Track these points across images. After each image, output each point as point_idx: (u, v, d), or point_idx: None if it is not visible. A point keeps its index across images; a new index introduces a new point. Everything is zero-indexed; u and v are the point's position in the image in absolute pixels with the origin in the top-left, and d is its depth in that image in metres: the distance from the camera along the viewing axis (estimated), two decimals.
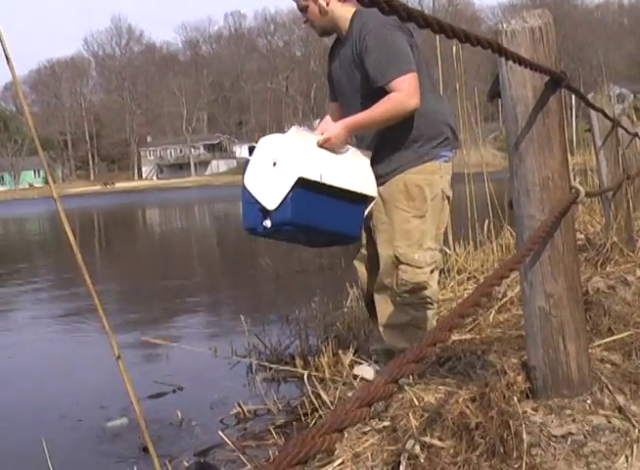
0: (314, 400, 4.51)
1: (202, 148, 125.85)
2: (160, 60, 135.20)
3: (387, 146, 4.56)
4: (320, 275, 5.58)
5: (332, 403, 4.31)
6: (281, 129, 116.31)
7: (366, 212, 4.58)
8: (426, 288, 4.51)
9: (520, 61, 2.35)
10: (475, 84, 9.62)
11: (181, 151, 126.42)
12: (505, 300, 5.28)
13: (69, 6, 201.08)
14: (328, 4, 4.61)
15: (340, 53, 4.75)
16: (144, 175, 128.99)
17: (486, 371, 3.29)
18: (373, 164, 4.56)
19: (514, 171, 2.96)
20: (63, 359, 7.49)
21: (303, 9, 4.71)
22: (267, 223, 4.46)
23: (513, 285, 5.46)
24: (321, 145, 4.44)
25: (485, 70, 72.22)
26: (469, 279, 6.70)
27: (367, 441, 3.12)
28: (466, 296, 3.31)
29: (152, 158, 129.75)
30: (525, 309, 3.09)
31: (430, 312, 4.56)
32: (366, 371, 4.67)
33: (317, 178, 4.37)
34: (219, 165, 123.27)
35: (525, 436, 2.76)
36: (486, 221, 7.74)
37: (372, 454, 2.99)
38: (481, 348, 4.09)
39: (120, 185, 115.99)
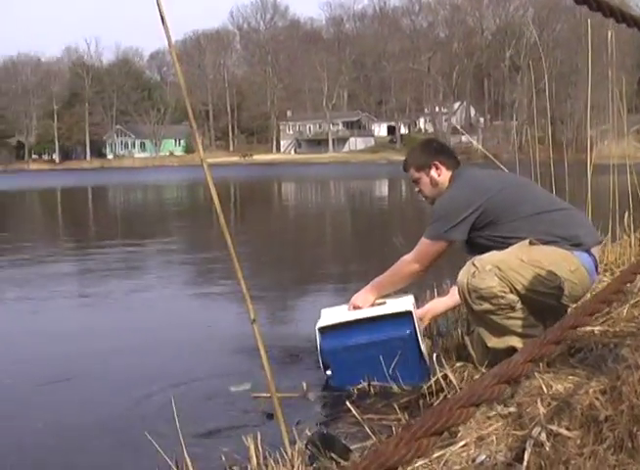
0: (441, 380, 4.50)
1: (340, 125, 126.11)
2: (303, 36, 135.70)
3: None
4: (454, 256, 5.53)
5: (459, 386, 4.30)
6: (420, 110, 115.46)
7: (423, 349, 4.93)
8: (498, 296, 4.41)
9: None
10: (620, 75, 9.39)
11: (320, 126, 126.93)
12: None
13: None
14: (440, 175, 5.03)
15: None
16: (282, 149, 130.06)
17: (618, 364, 3.23)
18: None
19: None
20: (192, 320, 7.64)
21: (416, 181, 5.14)
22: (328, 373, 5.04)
23: None
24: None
25: (632, 60, 70.55)
26: (605, 271, 6.56)
27: (492, 425, 3.10)
28: (601, 288, 3.24)
29: (291, 132, 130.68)
30: None
31: (513, 313, 4.46)
32: None
33: (331, 322, 5.03)
34: (357, 143, 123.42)
35: None
36: (626, 214, 7.57)
37: (496, 439, 2.98)
38: (614, 341, 4.02)
39: (258, 157, 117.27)
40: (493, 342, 4.48)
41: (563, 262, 4.50)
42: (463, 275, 4.48)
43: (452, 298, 5.18)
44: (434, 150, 5.15)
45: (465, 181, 4.88)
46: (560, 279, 4.44)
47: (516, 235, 4.62)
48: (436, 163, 5.02)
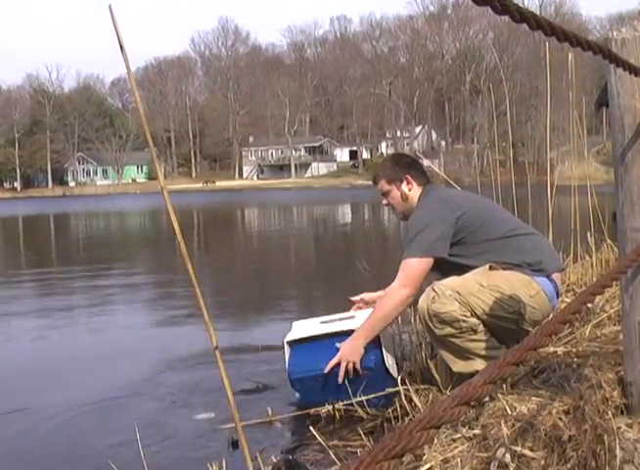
0: (406, 405, 4.50)
1: (302, 150, 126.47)
2: (264, 61, 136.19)
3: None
4: None
5: (423, 409, 4.29)
6: (382, 135, 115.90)
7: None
8: (459, 320, 4.43)
9: (630, 69, 2.32)
10: (580, 96, 9.49)
11: (282, 152, 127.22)
12: (603, 315, 5.19)
13: (177, 6, 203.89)
14: (410, 190, 5.01)
15: None
16: (245, 175, 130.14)
17: (581, 384, 3.25)
18: None
19: (619, 182, 2.92)
20: (156, 349, 7.59)
21: (385, 193, 5.08)
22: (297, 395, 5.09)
23: (611, 300, 5.38)
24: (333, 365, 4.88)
25: (591, 82, 71.26)
26: (567, 292, 6.60)
27: (456, 447, 3.10)
28: (564, 306, 3.26)
29: (253, 158, 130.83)
30: (624, 324, 3.04)
31: (474, 336, 4.48)
32: None
33: (300, 336, 5.04)
34: (319, 168, 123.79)
35: (618, 451, 2.71)
36: (587, 234, 7.62)
37: (461, 461, 2.98)
38: (577, 361, 4.04)
39: (221, 184, 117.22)
40: (458, 366, 4.49)
41: (523, 287, 4.53)
42: (423, 300, 4.48)
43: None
44: (407, 164, 5.13)
45: (437, 198, 4.87)
46: (519, 304, 4.46)
47: (482, 257, 4.64)
48: (408, 177, 5.00)
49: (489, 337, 4.44)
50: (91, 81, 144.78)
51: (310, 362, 4.93)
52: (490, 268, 4.55)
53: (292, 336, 5.08)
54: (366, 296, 5.38)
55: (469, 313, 4.37)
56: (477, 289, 4.42)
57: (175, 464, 4.45)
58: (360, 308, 5.32)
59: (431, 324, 4.44)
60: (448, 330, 4.41)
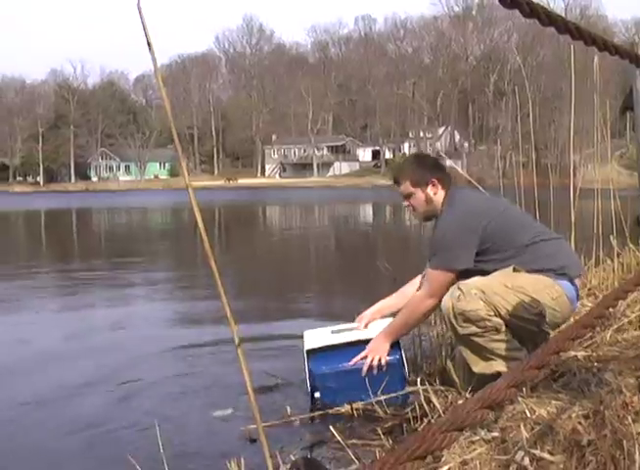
0: (425, 405, 4.50)
1: (325, 149, 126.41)
2: (288, 60, 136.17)
3: None
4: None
5: (442, 411, 4.30)
6: (405, 135, 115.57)
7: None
8: (484, 318, 4.41)
9: None
10: (604, 99, 9.47)
11: (305, 151, 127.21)
12: (624, 320, 5.18)
13: (202, 3, 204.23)
14: (435, 193, 4.91)
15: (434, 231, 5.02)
16: (267, 173, 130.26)
17: (601, 389, 3.24)
18: None
19: None
20: (177, 345, 7.61)
21: (408, 196, 4.97)
22: (316, 395, 5.07)
23: (633, 305, 5.36)
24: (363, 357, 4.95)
25: (615, 87, 70.94)
26: (588, 296, 6.58)
27: (475, 450, 3.10)
28: (584, 312, 3.26)
29: (275, 156, 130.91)
30: None
31: (496, 336, 4.47)
32: None
33: (320, 344, 5.05)
34: (342, 167, 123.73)
35: (637, 457, 2.71)
36: (610, 238, 7.59)
37: (480, 463, 2.98)
38: (597, 365, 4.03)
39: (243, 181, 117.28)
40: (480, 367, 4.48)
41: (545, 290, 4.52)
42: (448, 299, 4.48)
43: (398, 299, 5.22)
44: (432, 166, 5.03)
45: (463, 205, 4.80)
46: (542, 306, 4.45)
47: (506, 263, 4.62)
48: (434, 180, 4.90)
49: (511, 338, 4.44)
50: (115, 77, 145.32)
51: (332, 362, 4.99)
52: (514, 270, 4.54)
53: (310, 345, 5.12)
54: (370, 313, 5.36)
55: (493, 313, 4.36)
56: (501, 289, 4.41)
57: (194, 460, 4.47)
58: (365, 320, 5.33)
59: (455, 322, 4.44)
60: (472, 329, 4.40)
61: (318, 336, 5.23)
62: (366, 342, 4.97)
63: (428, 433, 0.92)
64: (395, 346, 4.97)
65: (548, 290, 4.52)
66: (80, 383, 6.34)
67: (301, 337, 5.30)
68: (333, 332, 5.24)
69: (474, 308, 4.37)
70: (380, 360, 4.85)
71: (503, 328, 4.41)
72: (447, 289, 4.60)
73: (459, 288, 4.45)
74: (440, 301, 4.61)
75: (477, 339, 4.42)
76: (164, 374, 6.51)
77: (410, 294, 5.10)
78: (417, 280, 5.25)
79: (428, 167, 4.99)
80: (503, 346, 4.41)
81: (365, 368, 4.87)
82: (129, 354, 7.35)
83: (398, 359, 4.95)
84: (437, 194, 4.90)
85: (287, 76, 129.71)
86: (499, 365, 4.40)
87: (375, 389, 4.87)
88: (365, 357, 4.91)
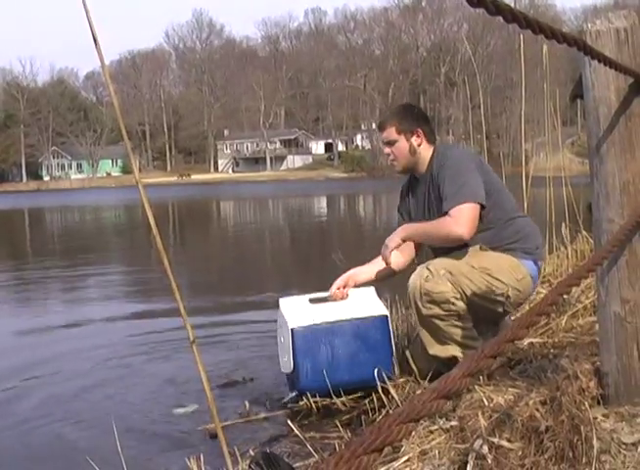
0: (383, 397, 4.50)
1: (278, 143, 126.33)
2: (239, 54, 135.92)
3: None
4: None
5: (400, 402, 4.31)
6: (357, 127, 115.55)
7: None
8: (450, 302, 4.41)
9: (604, 61, 2.32)
10: (554, 88, 9.53)
11: (257, 145, 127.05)
12: (579, 306, 5.22)
13: None
14: (420, 144, 4.71)
15: (417, 191, 4.87)
16: (220, 168, 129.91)
17: (558, 375, 3.26)
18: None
19: (594, 174, 2.93)
20: (133, 344, 7.57)
21: (391, 142, 4.75)
22: (292, 394, 4.88)
23: (587, 291, 5.40)
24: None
25: (565, 74, 71.45)
26: (542, 283, 6.62)
27: (434, 439, 3.11)
28: (539, 299, 3.27)
29: (228, 151, 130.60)
30: (600, 314, 3.05)
31: (460, 323, 4.47)
32: None
33: (309, 322, 4.76)
34: (295, 161, 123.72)
35: (595, 442, 2.73)
36: (562, 226, 7.65)
37: (439, 452, 2.99)
38: (553, 352, 4.06)
39: (196, 177, 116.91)
40: (435, 349, 4.49)
41: (511, 271, 4.52)
42: (416, 278, 4.45)
43: (373, 266, 5.00)
44: (421, 117, 4.86)
45: (459, 152, 4.68)
46: (507, 287, 4.47)
47: (488, 232, 4.58)
48: (420, 131, 4.73)
49: (471, 327, 4.45)
50: (65, 75, 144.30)
51: (316, 339, 4.80)
52: (480, 249, 4.54)
53: (294, 323, 4.83)
54: (342, 280, 5.02)
55: (459, 296, 4.36)
56: (467, 270, 4.41)
57: (154, 458, 4.44)
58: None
59: (419, 303, 4.42)
60: (435, 311, 4.39)
61: (299, 309, 4.96)
62: (355, 320, 4.83)
63: (384, 425, 0.92)
64: (384, 319, 4.87)
65: (513, 271, 4.53)
66: (32, 381, 6.29)
67: (260, 330, 5.26)
68: (312, 301, 4.99)
69: (441, 291, 4.36)
70: (388, 249, 4.60)
71: (466, 315, 4.42)
72: (476, 224, 4.45)
73: (428, 268, 4.43)
74: (470, 235, 4.43)
75: (437, 321, 4.42)
76: (122, 372, 6.47)
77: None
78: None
79: (415, 117, 4.82)
80: (461, 333, 4.42)
81: (385, 254, 4.65)
82: (85, 352, 7.29)
83: (383, 331, 4.83)
84: (421, 146, 4.73)
85: (238, 71, 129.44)
86: (455, 350, 4.42)
87: (360, 366, 4.74)
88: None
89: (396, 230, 4.66)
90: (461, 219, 4.41)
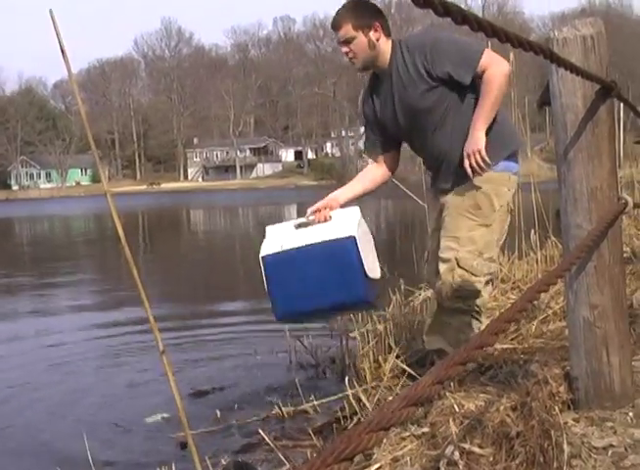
0: (354, 404, 4.51)
1: (248, 151, 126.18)
2: (208, 62, 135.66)
3: (455, 153, 4.47)
4: None
5: (372, 408, 4.31)
6: (327, 135, 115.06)
7: (370, 273, 4.49)
8: (477, 297, 4.46)
9: (571, 68, 2.34)
10: (523, 95, 9.56)
11: (227, 153, 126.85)
12: (549, 312, 5.25)
13: (120, 7, 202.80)
14: (378, 39, 4.52)
15: (380, 90, 4.67)
16: (189, 177, 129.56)
17: (528, 381, 3.27)
18: (440, 175, 4.58)
19: (562, 180, 2.94)
20: (104, 353, 7.54)
21: (349, 40, 4.54)
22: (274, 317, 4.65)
23: (556, 297, 5.43)
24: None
25: (533, 80, 71.80)
26: (512, 289, 6.66)
27: (406, 446, 3.11)
28: (509, 305, 3.29)
29: (198, 159, 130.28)
30: (569, 320, 3.07)
31: (475, 322, 4.51)
32: None
33: (278, 249, 4.53)
34: (265, 169, 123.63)
35: (565, 446, 2.74)
36: (532, 231, 7.69)
37: (410, 459, 2.99)
38: (524, 357, 4.07)
39: (166, 185, 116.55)
40: (429, 338, 4.57)
41: (505, 209, 4.57)
42: (447, 273, 4.42)
43: (353, 185, 4.85)
44: (375, 11, 4.64)
45: (433, 29, 4.61)
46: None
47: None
48: (377, 24, 4.51)
49: (479, 327, 4.49)
50: (33, 84, 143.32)
51: (284, 260, 4.56)
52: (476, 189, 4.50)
53: (265, 249, 4.59)
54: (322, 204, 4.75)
55: (487, 278, 4.47)
56: (484, 232, 4.48)
57: (125, 468, 4.43)
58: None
59: (445, 296, 4.46)
60: (458, 305, 4.45)
61: (278, 236, 4.71)
62: (323, 243, 4.62)
63: (354, 434, 0.92)
64: (351, 240, 4.50)
65: (506, 206, 4.58)
66: (3, 391, 6.25)
67: (231, 338, 5.23)
68: (296, 226, 4.74)
69: (473, 289, 4.43)
70: (481, 154, 4.32)
71: (481, 311, 4.50)
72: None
73: (460, 266, 4.42)
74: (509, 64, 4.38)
75: (455, 315, 4.47)
76: (92, 380, 6.45)
77: (367, 177, 4.83)
78: (368, 167, 4.92)
79: (371, 11, 4.62)
80: (463, 337, 4.44)
81: (472, 159, 4.36)
82: (54, 361, 7.26)
83: (350, 254, 4.49)
84: (380, 40, 4.53)
85: (207, 79, 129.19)
86: (445, 346, 4.47)
87: (332, 291, 4.45)
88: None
89: (472, 133, 4.38)
90: (494, 59, 4.33)
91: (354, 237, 4.49)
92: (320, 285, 4.48)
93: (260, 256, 4.54)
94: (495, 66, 4.29)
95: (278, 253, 4.57)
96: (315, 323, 4.72)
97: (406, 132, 4.67)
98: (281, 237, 4.66)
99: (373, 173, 4.78)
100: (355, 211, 4.72)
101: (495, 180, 4.50)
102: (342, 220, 4.67)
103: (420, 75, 4.46)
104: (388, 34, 4.58)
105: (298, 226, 4.73)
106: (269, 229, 4.82)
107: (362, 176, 4.86)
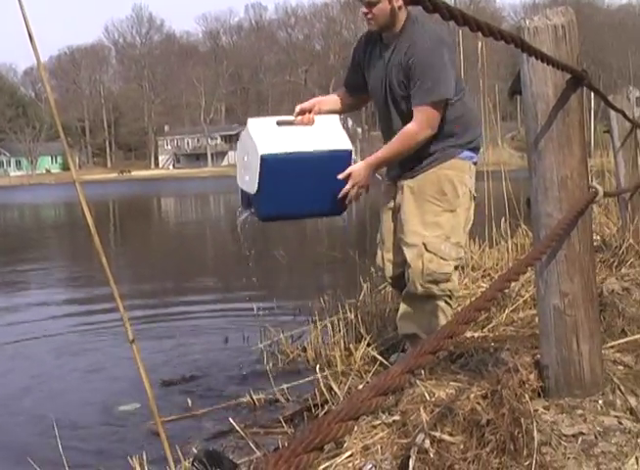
0: (325, 392, 4.51)
1: (219, 138, 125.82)
2: (179, 50, 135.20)
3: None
4: (333, 269, 5.61)
5: (343, 396, 4.32)
6: None
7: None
8: (449, 280, 4.52)
9: (542, 57, 2.34)
10: (494, 83, 9.59)
11: (198, 141, 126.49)
12: (519, 300, 5.27)
13: None
14: (400, 8, 4.61)
15: (384, 56, 4.75)
16: (160, 164, 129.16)
17: (499, 369, 3.28)
18: (402, 159, 4.59)
19: (532, 169, 2.95)
20: (75, 341, 7.51)
21: (372, 3, 4.68)
22: (246, 213, 4.75)
23: (527, 285, 5.45)
24: (345, 177, 4.50)
25: (505, 69, 72.04)
26: (483, 277, 6.68)
27: (377, 434, 3.11)
28: (480, 293, 3.30)
29: (169, 147, 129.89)
30: (540, 308, 3.08)
31: (447, 307, 4.56)
32: None
33: (278, 150, 4.51)
34: (236, 156, 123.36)
35: (535, 434, 2.75)
36: (502, 220, 7.72)
37: (381, 447, 2.99)
38: (494, 345, 4.09)
39: (137, 173, 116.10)
40: (403, 323, 4.61)
41: (468, 197, 4.66)
42: (416, 259, 4.49)
43: (335, 102, 5.01)
44: None
45: (434, 33, 4.62)
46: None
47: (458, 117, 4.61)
48: None
49: (451, 313, 4.54)
50: (3, 70, 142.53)
51: (282, 160, 4.57)
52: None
53: (264, 149, 4.55)
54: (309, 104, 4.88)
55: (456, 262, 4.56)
56: (448, 217, 4.56)
57: (96, 457, 4.42)
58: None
59: (418, 282, 4.51)
60: (432, 290, 4.52)
61: (266, 132, 4.69)
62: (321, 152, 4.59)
63: (323, 423, 0.92)
64: (349, 153, 4.61)
65: (469, 193, 4.66)
66: None
67: (201, 325, 5.22)
68: (278, 123, 4.74)
69: (444, 271, 4.50)
70: (361, 188, 4.50)
71: (453, 295, 4.58)
72: (439, 118, 4.50)
73: (427, 249, 4.48)
74: (434, 130, 4.49)
75: (429, 300, 4.52)
76: (63, 370, 6.42)
77: (345, 102, 5.05)
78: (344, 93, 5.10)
79: None
80: (436, 321, 4.48)
81: (345, 190, 4.49)
82: (25, 351, 7.22)
83: (349, 163, 4.57)
84: (401, 10, 4.65)
85: (178, 66, 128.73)
86: (419, 331, 4.50)
87: (322, 197, 4.58)
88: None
89: (360, 165, 4.52)
90: (423, 123, 4.46)
91: (352, 150, 4.56)
92: (311, 193, 4.52)
93: (260, 153, 4.50)
94: (418, 125, 4.46)
95: (278, 154, 4.54)
96: (286, 303, 4.71)
97: (381, 103, 4.77)
98: (273, 135, 4.64)
99: (347, 101, 5.04)
100: (336, 120, 4.82)
101: (459, 167, 4.62)
102: (329, 129, 4.70)
103: (397, 64, 4.62)
104: (406, 6, 4.65)
105: (281, 123, 4.73)
106: (251, 122, 4.80)
107: (340, 98, 5.07)
